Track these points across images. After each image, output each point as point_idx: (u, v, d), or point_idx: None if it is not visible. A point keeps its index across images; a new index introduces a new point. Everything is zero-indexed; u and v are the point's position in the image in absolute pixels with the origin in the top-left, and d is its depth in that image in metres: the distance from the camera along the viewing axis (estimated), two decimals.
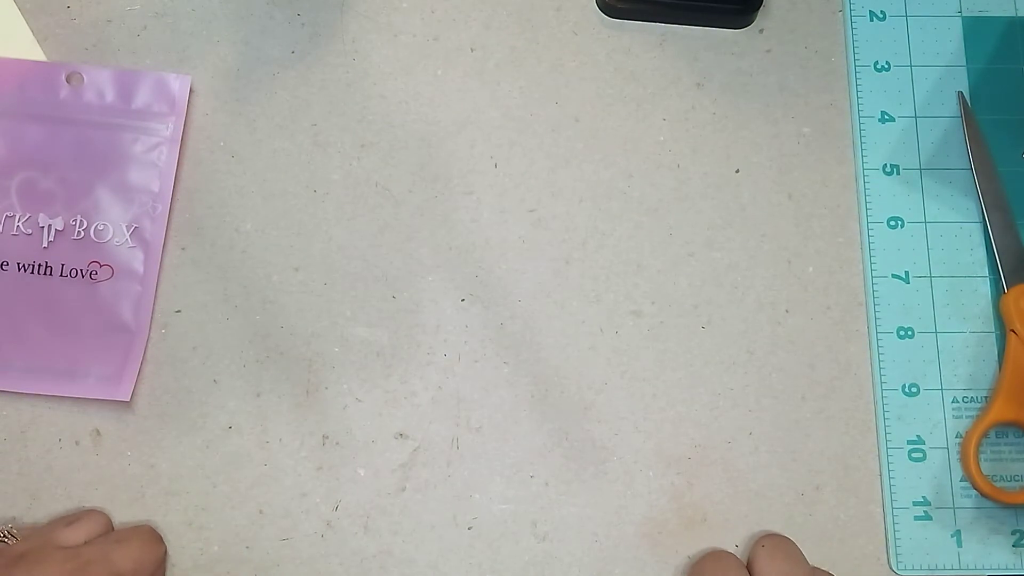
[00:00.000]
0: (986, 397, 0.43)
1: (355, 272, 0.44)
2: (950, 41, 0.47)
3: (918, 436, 0.43)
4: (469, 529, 0.42)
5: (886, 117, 0.46)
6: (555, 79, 0.46)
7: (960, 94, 0.46)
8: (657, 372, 0.43)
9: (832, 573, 0.39)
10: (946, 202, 0.45)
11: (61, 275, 0.43)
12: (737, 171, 0.46)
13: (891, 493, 0.42)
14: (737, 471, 0.42)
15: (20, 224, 0.43)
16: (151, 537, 0.40)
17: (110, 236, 0.43)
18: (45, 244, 0.43)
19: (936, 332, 0.44)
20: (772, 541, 0.40)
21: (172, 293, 0.44)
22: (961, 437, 0.43)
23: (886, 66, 0.47)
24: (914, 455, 0.42)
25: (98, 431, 0.42)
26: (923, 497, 0.42)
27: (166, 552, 0.41)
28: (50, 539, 0.38)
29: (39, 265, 0.43)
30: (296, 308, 0.43)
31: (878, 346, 0.44)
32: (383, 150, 0.45)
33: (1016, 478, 0.42)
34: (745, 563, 0.40)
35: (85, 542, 0.39)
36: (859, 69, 0.47)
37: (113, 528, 0.41)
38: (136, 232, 0.44)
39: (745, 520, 0.42)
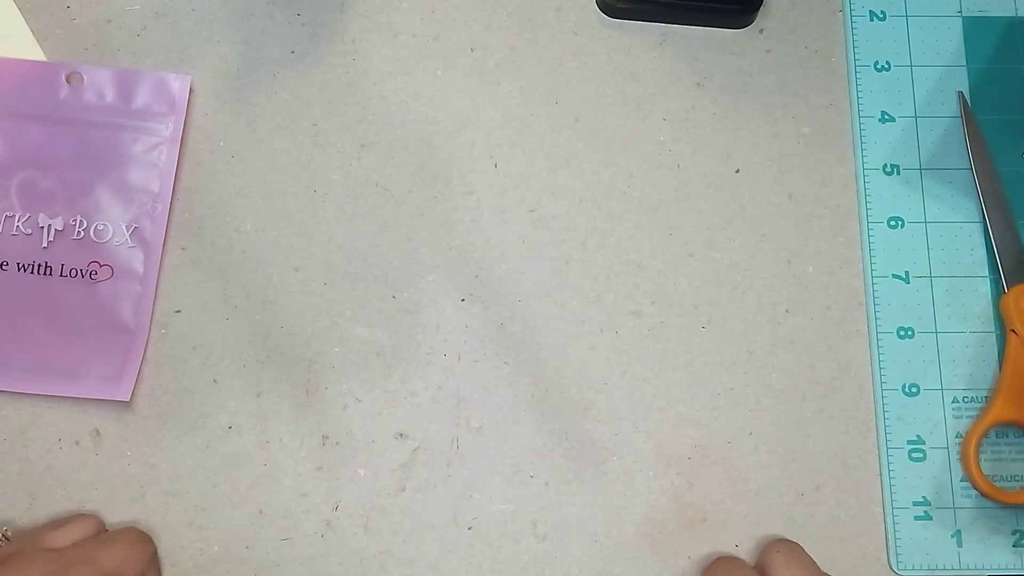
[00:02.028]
0: (986, 397, 0.43)
1: (355, 272, 0.44)
2: (950, 41, 0.47)
3: (918, 436, 0.43)
4: (469, 529, 0.42)
5: (886, 117, 0.46)
6: (555, 79, 0.46)
7: (960, 94, 0.46)
8: (657, 372, 0.43)
9: None
10: (946, 202, 0.45)
11: (61, 275, 0.43)
12: (737, 171, 0.46)
13: (891, 493, 0.42)
14: (737, 471, 0.42)
15: (20, 224, 0.43)
16: (137, 537, 0.40)
17: (110, 236, 0.43)
18: (45, 244, 0.43)
19: (936, 332, 0.44)
20: (787, 547, 0.40)
21: (172, 293, 0.44)
22: (961, 437, 0.43)
23: (886, 66, 0.47)
24: (914, 455, 0.42)
25: (98, 431, 0.42)
26: (923, 497, 0.42)
27: (155, 551, 0.41)
28: (38, 542, 0.39)
29: (39, 265, 0.43)
30: (296, 308, 0.43)
31: (878, 346, 0.44)
32: (383, 150, 0.45)
33: (1016, 478, 0.42)
34: (753, 566, 0.40)
35: (73, 544, 0.39)
36: (859, 69, 0.47)
37: (106, 531, 0.41)
38: (136, 232, 0.44)
39: (745, 520, 0.42)
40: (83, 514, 0.41)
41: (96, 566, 0.37)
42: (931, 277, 0.44)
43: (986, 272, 0.44)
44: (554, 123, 0.46)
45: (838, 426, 0.43)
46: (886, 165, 0.46)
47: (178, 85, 0.45)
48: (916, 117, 0.46)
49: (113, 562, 0.38)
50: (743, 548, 0.42)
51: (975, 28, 0.47)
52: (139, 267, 0.43)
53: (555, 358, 0.43)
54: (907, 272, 0.44)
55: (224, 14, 0.47)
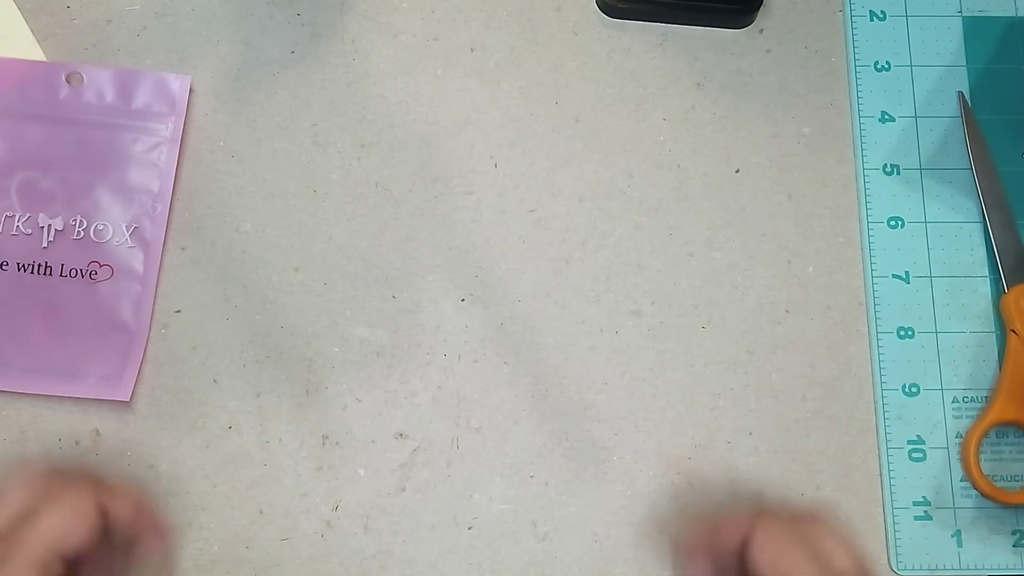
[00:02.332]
0: (986, 397, 0.43)
1: (355, 272, 0.44)
2: (950, 41, 0.47)
3: (918, 436, 0.43)
4: (469, 529, 0.42)
5: (886, 117, 0.46)
6: (555, 79, 0.46)
7: (960, 94, 0.46)
8: (657, 372, 0.43)
9: None
10: (946, 202, 0.45)
11: (61, 275, 0.43)
12: (737, 171, 0.46)
13: (891, 493, 0.42)
14: (737, 471, 0.42)
15: (20, 224, 0.43)
16: (81, 495, 0.34)
17: (110, 236, 0.43)
18: (45, 244, 0.43)
19: (936, 332, 0.44)
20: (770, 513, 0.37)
21: (172, 293, 0.44)
22: (961, 437, 0.43)
23: (886, 66, 0.47)
24: (914, 455, 0.42)
25: (98, 431, 0.42)
26: (923, 497, 0.42)
27: (105, 500, 0.36)
28: None
29: (39, 265, 0.43)
30: (296, 308, 0.43)
31: (878, 346, 0.44)
32: (383, 150, 0.45)
33: (1016, 478, 0.42)
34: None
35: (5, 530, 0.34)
36: (859, 69, 0.47)
37: (51, 481, 0.36)
38: (136, 232, 0.44)
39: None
40: (19, 474, 0.36)
41: (26, 556, 0.32)
42: (931, 277, 0.44)
43: (986, 272, 0.44)
44: (554, 123, 0.46)
45: (838, 426, 0.43)
46: (886, 165, 0.46)
47: (178, 85, 0.45)
48: (916, 117, 0.46)
49: (46, 541, 0.32)
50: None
51: (975, 28, 0.47)
52: (139, 267, 0.43)
53: (555, 358, 0.43)
54: (907, 272, 0.44)
55: (224, 14, 0.47)
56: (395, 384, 0.43)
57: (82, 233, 0.43)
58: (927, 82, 0.47)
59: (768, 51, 0.47)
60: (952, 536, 0.42)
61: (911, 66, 0.47)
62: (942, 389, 0.43)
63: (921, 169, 0.46)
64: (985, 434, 0.42)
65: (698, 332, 0.44)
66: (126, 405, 0.42)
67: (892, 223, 0.45)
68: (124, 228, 0.44)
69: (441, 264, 0.44)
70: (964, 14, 0.48)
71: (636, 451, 0.42)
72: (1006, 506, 0.42)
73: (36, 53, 0.46)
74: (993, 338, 0.44)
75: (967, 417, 0.43)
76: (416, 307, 0.44)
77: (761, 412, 0.43)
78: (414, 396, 0.43)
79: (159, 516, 0.38)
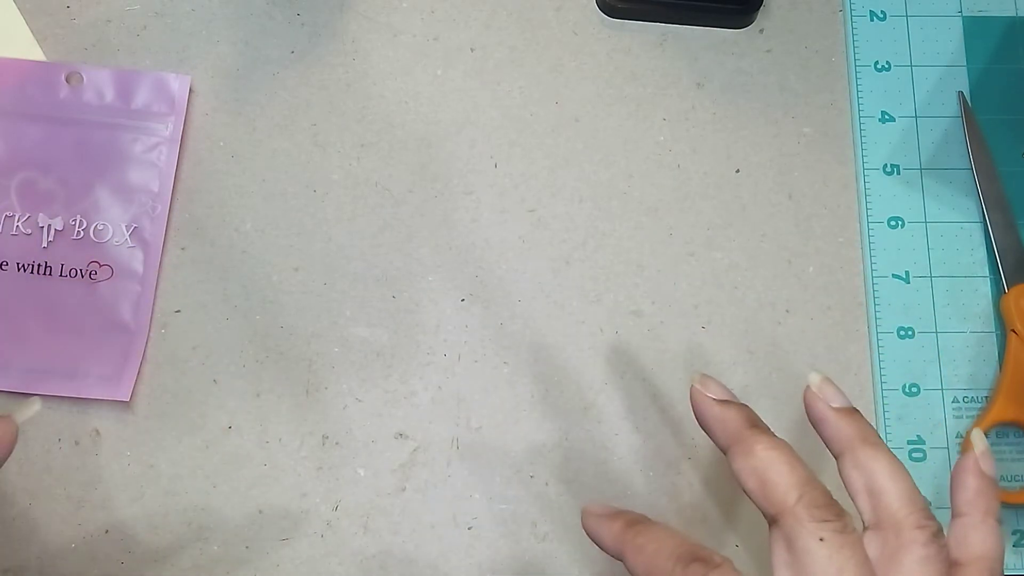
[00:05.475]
0: (986, 397, 0.43)
1: (355, 272, 0.44)
2: (950, 41, 0.47)
3: (918, 436, 0.43)
4: (469, 529, 0.42)
5: (886, 117, 0.46)
6: (555, 79, 0.46)
7: (960, 94, 0.46)
8: (657, 372, 0.43)
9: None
10: (946, 202, 0.45)
11: (61, 275, 0.43)
12: (737, 171, 0.46)
13: None
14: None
15: (20, 224, 0.43)
16: None
17: (110, 236, 0.43)
18: (45, 244, 0.43)
19: (936, 332, 0.44)
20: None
21: (172, 293, 0.44)
22: (961, 437, 0.43)
23: (886, 66, 0.47)
24: (914, 455, 0.42)
25: (98, 431, 0.42)
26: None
27: None
28: None
29: (39, 265, 0.43)
30: (296, 308, 0.43)
31: (878, 346, 0.44)
32: (383, 150, 0.45)
33: (1016, 478, 0.42)
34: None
35: None
36: (859, 69, 0.47)
37: None
38: (136, 232, 0.44)
39: (745, 521, 0.42)
40: None
41: None
42: (931, 277, 0.44)
43: (986, 272, 0.44)
44: (554, 123, 0.46)
45: None
46: (886, 165, 0.46)
47: (178, 85, 0.45)
48: (916, 117, 0.46)
49: None
50: (743, 548, 0.42)
51: (975, 28, 0.47)
52: (139, 267, 0.43)
53: (555, 358, 0.43)
54: (907, 272, 0.44)
55: (224, 14, 0.47)
56: (395, 384, 0.43)
57: (82, 233, 0.43)
58: (927, 82, 0.47)
59: (768, 51, 0.47)
60: None
61: (911, 66, 0.47)
62: (942, 389, 0.43)
63: (921, 169, 0.46)
64: (985, 434, 0.42)
65: (698, 332, 0.44)
66: (126, 405, 0.42)
67: (892, 223, 0.45)
68: (124, 228, 0.44)
69: (441, 264, 0.44)
70: (964, 14, 0.48)
71: (636, 451, 0.42)
72: (1006, 506, 0.41)
73: (36, 53, 0.46)
74: (993, 338, 0.44)
75: (967, 417, 0.43)
76: (416, 307, 0.44)
77: (761, 412, 0.43)
78: (414, 396, 0.43)
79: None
